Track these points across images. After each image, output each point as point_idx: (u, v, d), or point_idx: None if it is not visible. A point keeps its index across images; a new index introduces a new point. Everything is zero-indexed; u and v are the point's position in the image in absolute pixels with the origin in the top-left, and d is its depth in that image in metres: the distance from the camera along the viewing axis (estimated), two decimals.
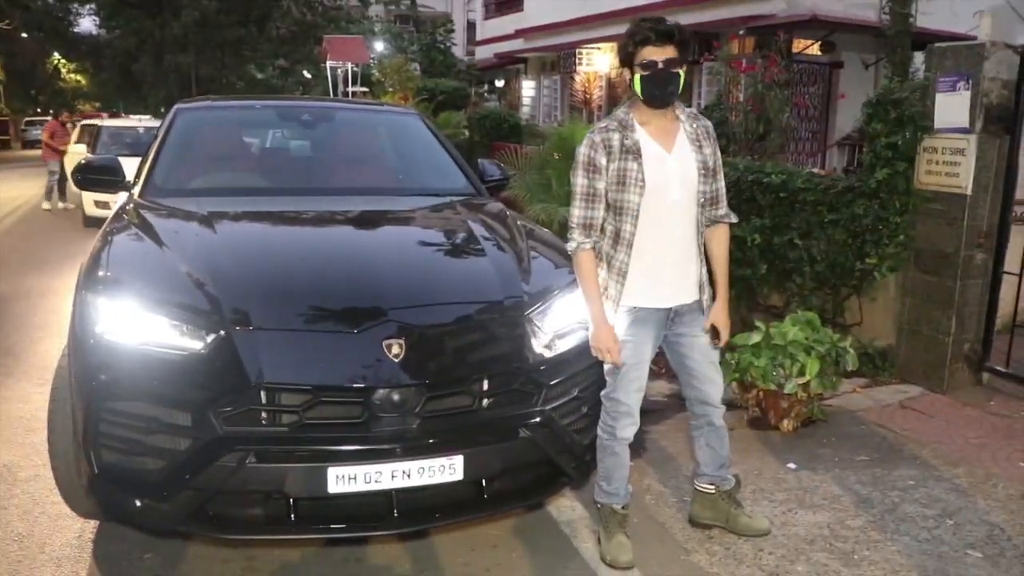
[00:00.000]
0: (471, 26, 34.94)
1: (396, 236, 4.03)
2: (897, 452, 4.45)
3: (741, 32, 14.86)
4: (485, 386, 3.03)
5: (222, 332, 2.91)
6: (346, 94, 20.54)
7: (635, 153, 3.10)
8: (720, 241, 3.35)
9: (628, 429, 3.27)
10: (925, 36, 9.63)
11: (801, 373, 4.49)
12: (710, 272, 3.35)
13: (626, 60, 3.11)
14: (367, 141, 5.24)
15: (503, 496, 3.16)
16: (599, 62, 22.23)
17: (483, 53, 31.37)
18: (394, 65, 21.31)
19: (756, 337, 4.69)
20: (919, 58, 8.70)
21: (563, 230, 6.93)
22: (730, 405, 4.96)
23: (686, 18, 17.16)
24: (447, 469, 2.93)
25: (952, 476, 4.17)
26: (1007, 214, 5.29)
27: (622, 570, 3.26)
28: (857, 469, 4.22)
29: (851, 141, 13.63)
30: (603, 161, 3.10)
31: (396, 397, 2.86)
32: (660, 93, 3.07)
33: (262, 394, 2.83)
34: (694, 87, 18.04)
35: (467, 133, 17.13)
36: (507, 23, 27.67)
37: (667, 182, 3.12)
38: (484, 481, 3.06)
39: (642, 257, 3.15)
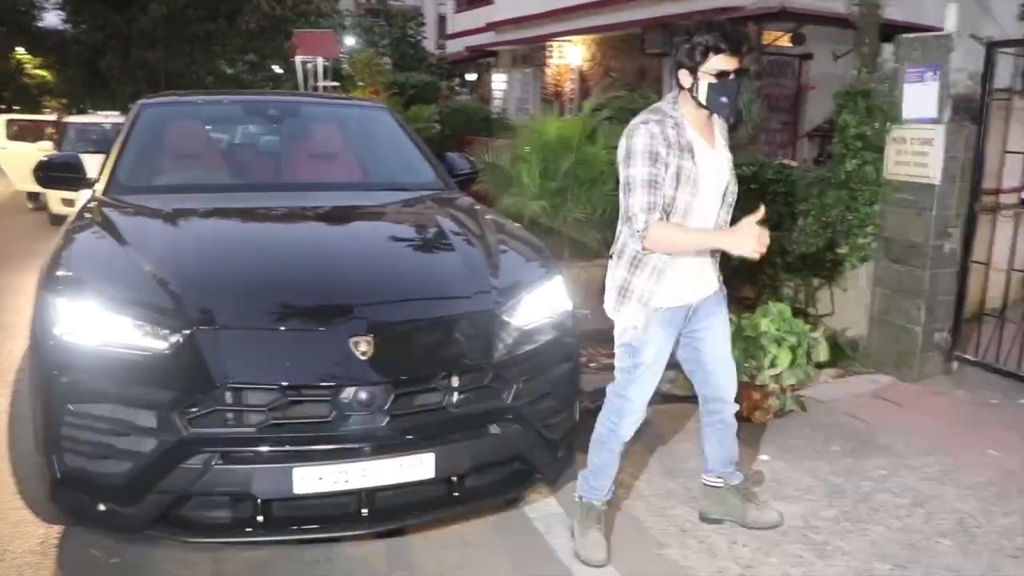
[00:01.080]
0: (442, 19, 34.78)
1: (364, 232, 3.98)
2: (869, 442, 4.47)
3: None
4: (455, 383, 3.00)
5: (186, 332, 2.86)
6: (316, 89, 20.39)
7: (690, 151, 3.05)
8: None
9: (631, 427, 3.27)
10: (893, 27, 9.65)
11: (773, 364, 4.49)
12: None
13: (690, 65, 3.03)
14: (334, 136, 5.18)
15: (475, 493, 3.13)
16: (571, 55, 22.20)
17: (454, 47, 31.25)
18: (364, 59, 21.17)
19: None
20: (887, 49, 8.74)
21: (533, 223, 6.99)
22: None
23: (656, 10, 17.18)
24: (417, 467, 2.90)
25: (923, 465, 4.19)
26: (975, 204, 5.32)
27: (595, 568, 3.24)
28: (830, 459, 4.23)
29: (821, 132, 13.69)
30: (663, 152, 3.00)
31: (364, 395, 2.82)
32: (729, 102, 3.04)
33: (228, 394, 2.79)
34: (665, 78, 18.08)
35: (438, 127, 17.04)
36: (478, 16, 27.56)
37: (709, 180, 3.11)
38: (455, 479, 3.03)
39: (681, 256, 3.11)
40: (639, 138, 3.01)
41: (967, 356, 5.46)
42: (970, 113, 5.17)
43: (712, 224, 3.18)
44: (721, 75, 2.99)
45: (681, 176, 3.02)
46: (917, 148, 5.23)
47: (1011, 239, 5.18)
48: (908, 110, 5.27)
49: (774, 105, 14.81)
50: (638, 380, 3.19)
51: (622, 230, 3.18)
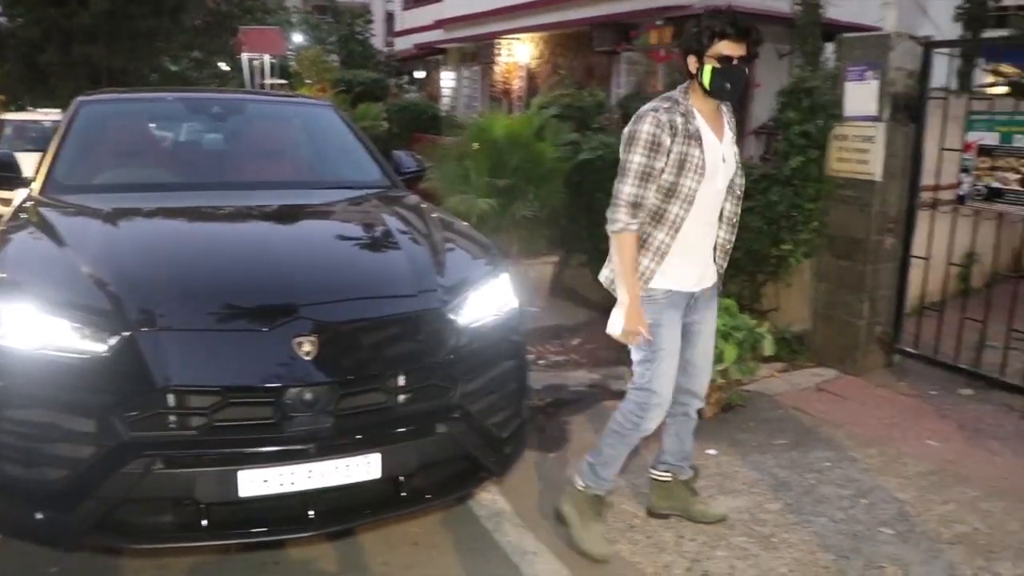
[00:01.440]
0: (390, 17, 34.61)
1: (308, 231, 3.93)
2: (813, 435, 4.54)
3: (659, 22, 14.99)
4: (401, 382, 2.98)
5: (126, 334, 2.79)
6: (263, 86, 20.15)
7: (697, 139, 3.09)
8: None
9: (656, 420, 3.27)
10: (835, 27, 9.82)
11: (719, 359, 4.52)
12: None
13: (696, 50, 3.08)
14: (279, 134, 5.11)
15: (423, 492, 3.10)
16: (519, 52, 22.23)
17: (403, 44, 31.11)
18: (311, 56, 21.00)
19: None
20: (830, 49, 8.88)
21: (481, 221, 6.98)
22: None
23: (605, 8, 17.27)
24: (364, 468, 2.87)
25: (865, 456, 4.26)
26: (914, 200, 5.43)
27: (594, 562, 3.24)
28: (775, 453, 4.28)
29: (767, 130, 13.87)
30: (667, 142, 3.06)
31: (308, 396, 2.78)
32: (732, 88, 3.07)
33: (169, 397, 2.73)
34: (613, 76, 18.18)
35: (386, 125, 16.95)
36: (426, 13, 27.45)
37: (716, 171, 3.15)
38: (403, 478, 3.01)
39: (685, 241, 3.16)
40: (644, 125, 3.07)
41: (908, 349, 5.57)
42: (909, 111, 5.27)
43: (716, 213, 3.25)
44: (725, 60, 3.03)
45: (686, 163, 3.08)
46: (859, 145, 5.33)
47: (949, 234, 5.29)
48: (849, 108, 5.36)
49: None
50: (660, 368, 3.20)
51: None
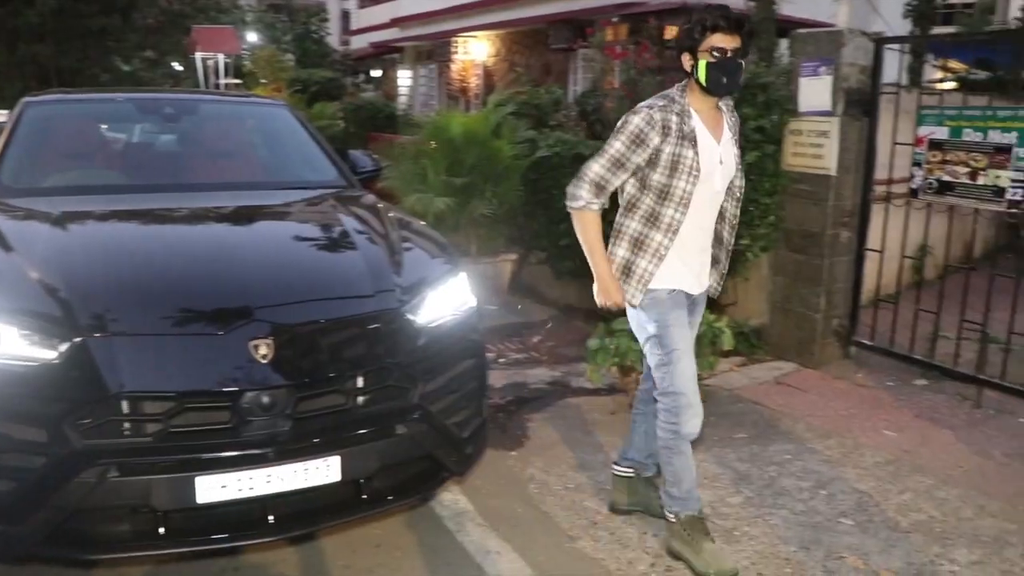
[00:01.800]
0: (346, 15, 34.40)
1: (263, 232, 3.87)
2: (773, 428, 4.57)
3: (614, 19, 15.05)
4: (359, 383, 2.95)
5: (77, 340, 2.72)
6: (218, 86, 19.91)
7: (692, 140, 3.04)
8: None
9: (692, 422, 3.15)
10: (788, 23, 9.92)
11: None
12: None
13: (689, 46, 3.02)
14: (232, 134, 5.03)
15: (384, 494, 3.07)
16: (476, 50, 22.21)
17: (359, 42, 30.95)
18: (266, 55, 20.80)
19: None
20: (784, 45, 8.97)
21: (439, 220, 6.95)
22: (611, 389, 5.04)
23: (560, 5, 17.30)
24: (324, 471, 2.84)
25: (824, 448, 4.31)
26: (868, 194, 5.50)
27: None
28: (736, 447, 4.31)
29: None
30: (656, 140, 3.01)
31: (266, 399, 2.74)
32: (727, 81, 3.01)
33: (123, 403, 2.67)
34: (569, 74, 18.22)
35: (342, 124, 16.82)
36: (382, 12, 27.34)
37: (713, 172, 3.09)
38: (363, 480, 2.98)
39: (683, 243, 3.12)
40: (636, 117, 3.04)
41: (864, 341, 5.64)
42: (862, 106, 5.34)
43: (715, 215, 3.20)
44: (719, 53, 2.97)
45: (679, 164, 3.03)
46: (813, 140, 5.38)
47: (902, 227, 5.36)
48: (804, 103, 5.41)
49: None
50: (678, 368, 3.12)
51: (620, 220, 3.21)
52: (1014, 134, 4.68)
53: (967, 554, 3.31)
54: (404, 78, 27.41)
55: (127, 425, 2.70)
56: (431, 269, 3.46)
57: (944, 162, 5.02)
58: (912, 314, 5.30)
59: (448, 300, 3.31)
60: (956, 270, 5.44)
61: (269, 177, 4.67)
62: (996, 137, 4.75)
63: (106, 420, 2.66)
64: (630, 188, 3.16)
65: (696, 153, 3.04)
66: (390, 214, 4.02)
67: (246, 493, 2.74)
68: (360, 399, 2.95)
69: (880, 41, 5.38)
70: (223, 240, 3.68)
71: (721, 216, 3.24)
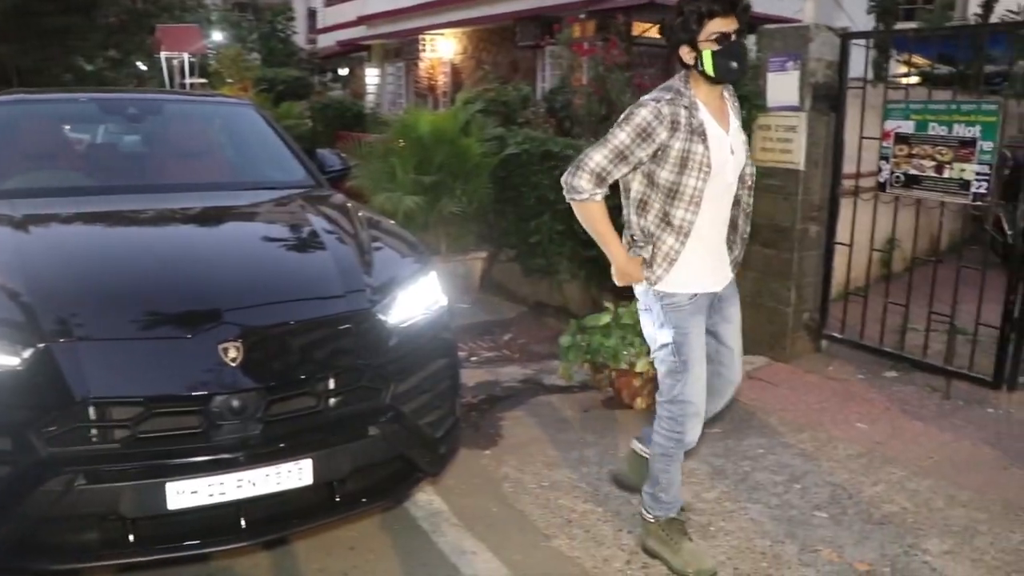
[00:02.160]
0: (312, 14, 34.14)
1: (231, 233, 3.82)
2: (746, 422, 4.59)
3: (582, 15, 15.05)
4: (331, 385, 2.91)
5: (41, 346, 2.66)
6: (183, 86, 19.72)
7: (701, 135, 2.88)
8: None
9: (696, 431, 3.08)
10: (755, 19, 10.00)
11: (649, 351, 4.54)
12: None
13: (687, 38, 2.87)
14: (199, 134, 4.96)
15: (357, 496, 3.04)
16: (443, 48, 22.15)
17: (325, 41, 30.76)
18: (231, 55, 20.63)
19: (605, 318, 4.73)
20: (751, 40, 9.03)
21: (409, 219, 6.91)
22: (584, 386, 5.03)
23: (528, 2, 17.29)
24: (296, 474, 2.80)
25: (798, 442, 4.32)
26: (836, 188, 5.53)
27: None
28: (709, 441, 4.31)
29: None
30: (663, 136, 2.85)
31: (236, 403, 2.70)
32: (739, 66, 2.86)
33: (90, 410, 2.62)
34: (537, 71, 18.22)
35: (310, 123, 16.72)
36: (349, 10, 27.19)
37: (725, 164, 2.95)
38: (336, 483, 2.94)
39: (700, 243, 2.98)
40: (643, 110, 2.88)
41: (834, 334, 5.67)
42: (829, 101, 5.36)
43: (730, 207, 3.06)
44: (722, 39, 2.82)
45: (690, 161, 2.88)
46: (782, 135, 5.40)
47: (871, 221, 5.40)
48: (772, 98, 5.43)
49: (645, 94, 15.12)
50: (691, 376, 3.02)
51: (629, 217, 3.08)
52: (978, 127, 4.72)
53: (939, 544, 3.34)
54: (372, 76, 27.28)
55: (94, 432, 2.64)
56: (401, 268, 3.43)
57: (910, 156, 5.06)
58: (881, 307, 5.34)
59: (419, 299, 3.28)
60: (923, 262, 5.49)
61: (236, 177, 4.61)
62: (960, 131, 4.80)
63: (72, 427, 2.61)
64: (638, 186, 3.01)
65: (707, 148, 2.89)
66: (359, 213, 3.98)
67: (217, 498, 2.70)
68: (332, 401, 2.92)
69: (846, 36, 5.41)
70: (190, 242, 3.62)
71: (736, 203, 3.09)
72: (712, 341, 3.18)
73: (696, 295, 3.02)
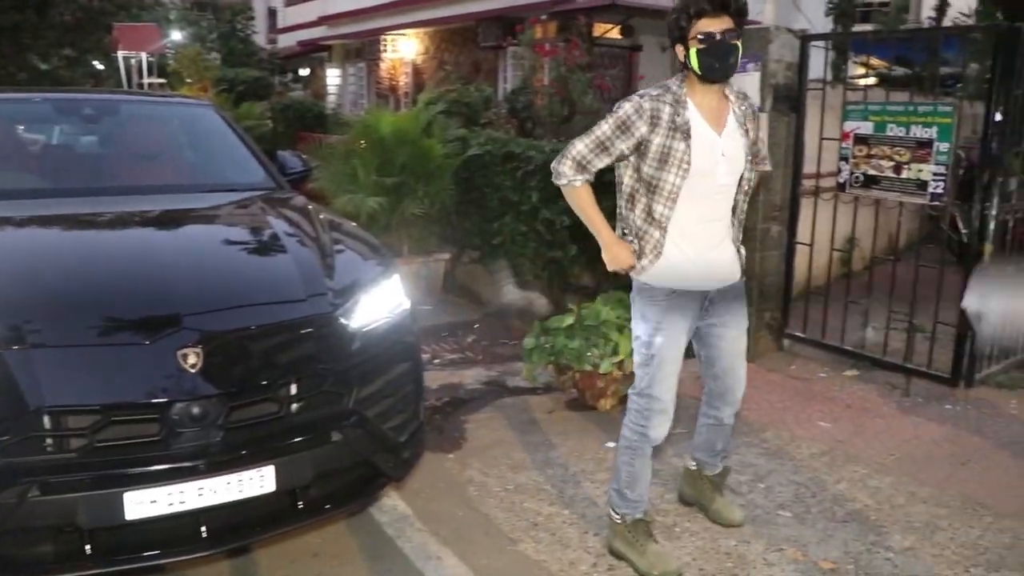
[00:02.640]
0: (272, 13, 33.83)
1: (190, 237, 3.75)
2: None
3: (544, 17, 15.07)
4: (292, 390, 2.87)
5: None
6: (141, 86, 19.44)
7: (684, 133, 2.91)
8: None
9: (661, 428, 3.12)
10: None
11: (615, 352, 4.55)
12: None
13: (679, 36, 2.92)
14: (157, 135, 4.88)
15: (321, 503, 3.00)
16: (405, 48, 22.07)
17: (286, 41, 30.50)
18: (190, 54, 20.37)
19: (569, 319, 4.73)
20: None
21: (371, 221, 6.86)
22: (548, 388, 5.03)
23: (489, 3, 17.27)
24: (258, 481, 2.75)
25: (761, 441, 4.35)
26: (797, 188, 5.58)
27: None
28: (673, 442, 4.30)
29: None
30: (643, 130, 2.91)
31: (195, 410, 2.65)
32: (720, 65, 2.88)
33: (44, 418, 2.55)
34: (499, 71, 18.21)
35: (271, 124, 16.57)
36: (309, 9, 26.98)
37: (715, 166, 2.96)
38: (299, 489, 2.90)
39: (683, 239, 3.01)
40: (627, 104, 2.97)
41: (796, 333, 5.72)
42: (789, 102, 5.41)
43: (727, 208, 3.08)
44: (708, 38, 2.85)
45: (670, 157, 2.92)
46: None
47: (831, 220, 5.45)
48: None
49: (606, 95, 15.18)
50: (658, 373, 3.06)
51: (621, 210, 3.13)
52: (935, 129, 4.79)
53: (901, 540, 3.37)
54: (333, 77, 27.11)
55: (49, 441, 2.58)
56: (364, 271, 3.39)
57: (869, 156, 5.11)
58: (842, 306, 5.40)
59: (382, 302, 3.25)
60: (882, 262, 5.56)
61: (195, 179, 4.54)
62: (918, 132, 4.87)
63: (26, 437, 2.54)
64: (628, 180, 3.07)
65: (688, 147, 2.92)
66: (321, 216, 3.93)
67: (177, 507, 2.65)
68: (294, 406, 2.87)
69: (806, 38, 5.46)
70: (148, 245, 3.55)
71: (732, 210, 3.12)
72: (709, 344, 3.24)
73: (675, 291, 3.04)
